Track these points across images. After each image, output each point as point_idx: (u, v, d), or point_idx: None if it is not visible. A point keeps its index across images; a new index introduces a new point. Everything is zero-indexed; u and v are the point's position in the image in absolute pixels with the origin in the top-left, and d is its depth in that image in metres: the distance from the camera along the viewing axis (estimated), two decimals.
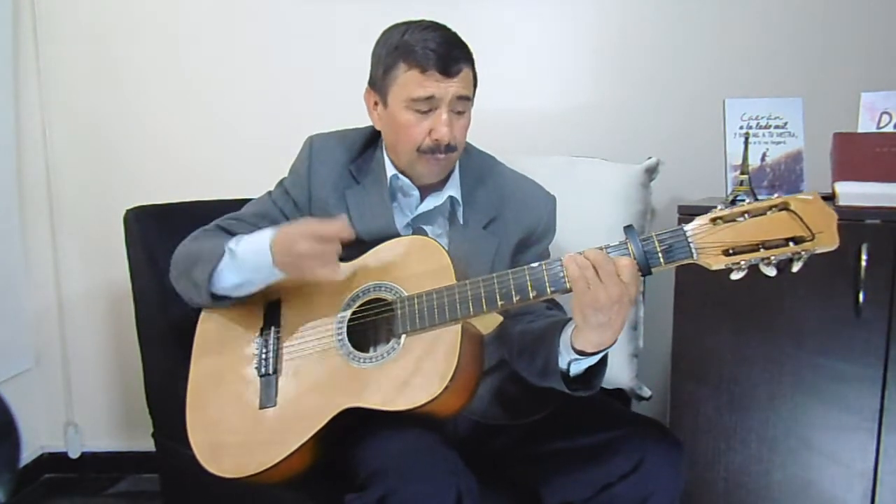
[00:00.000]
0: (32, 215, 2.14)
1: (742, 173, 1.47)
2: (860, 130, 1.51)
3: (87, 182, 2.13)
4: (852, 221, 1.32)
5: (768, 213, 0.96)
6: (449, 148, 1.21)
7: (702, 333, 1.46)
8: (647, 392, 1.72)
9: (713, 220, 0.97)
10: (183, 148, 2.10)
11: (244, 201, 1.39)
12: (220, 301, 1.24)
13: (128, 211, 1.59)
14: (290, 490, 1.24)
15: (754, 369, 1.43)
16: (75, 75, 2.09)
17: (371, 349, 1.18)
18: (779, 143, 1.53)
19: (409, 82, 1.19)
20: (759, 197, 1.47)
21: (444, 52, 1.17)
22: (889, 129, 1.50)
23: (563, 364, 1.11)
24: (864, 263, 1.31)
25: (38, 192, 2.13)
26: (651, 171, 1.74)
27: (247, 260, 1.18)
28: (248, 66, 2.07)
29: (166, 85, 2.09)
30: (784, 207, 0.95)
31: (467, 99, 1.23)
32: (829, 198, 1.45)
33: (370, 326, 1.20)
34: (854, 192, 1.38)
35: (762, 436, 1.44)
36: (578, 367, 1.11)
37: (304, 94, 2.05)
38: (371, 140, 1.35)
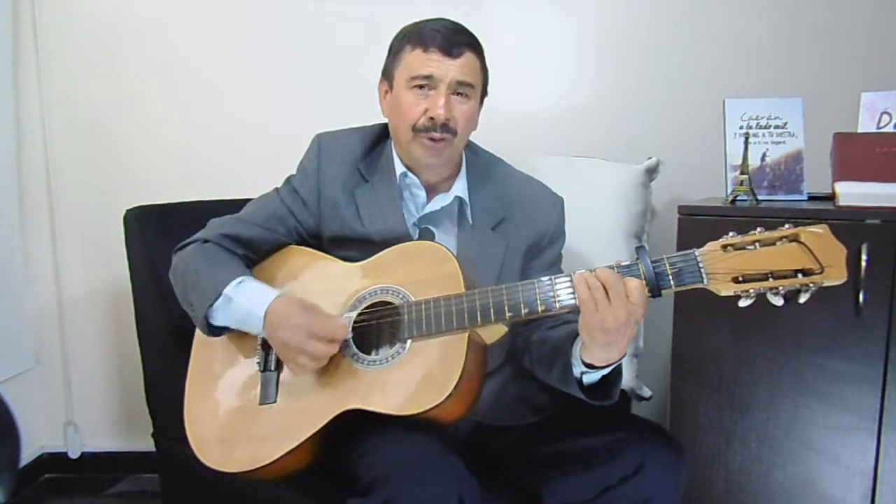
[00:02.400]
0: (32, 215, 2.14)
1: (742, 173, 1.47)
2: (860, 130, 1.51)
3: (87, 182, 2.13)
4: (852, 221, 1.32)
5: (778, 243, 0.97)
6: (445, 129, 1.21)
7: (702, 333, 1.46)
8: (647, 392, 1.72)
9: (724, 247, 0.99)
10: (183, 148, 2.10)
11: (244, 201, 1.38)
12: (216, 331, 1.24)
13: (128, 211, 1.59)
14: (291, 490, 1.24)
15: (754, 369, 1.43)
16: (75, 75, 2.09)
17: (374, 352, 1.18)
18: (779, 143, 1.53)
19: (412, 61, 1.22)
20: (759, 197, 1.47)
21: (449, 34, 1.21)
22: (889, 129, 1.50)
23: (576, 374, 1.12)
24: (864, 263, 1.31)
25: (38, 192, 2.13)
26: (651, 171, 1.74)
27: (239, 313, 1.19)
28: (248, 65, 2.07)
29: (167, 85, 2.09)
30: (795, 239, 0.97)
31: (469, 85, 1.23)
32: (830, 198, 1.45)
33: (375, 329, 1.19)
34: (854, 192, 1.38)
35: (762, 436, 1.44)
36: (591, 378, 1.11)
37: (304, 94, 2.05)
38: (380, 138, 1.34)
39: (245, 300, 1.18)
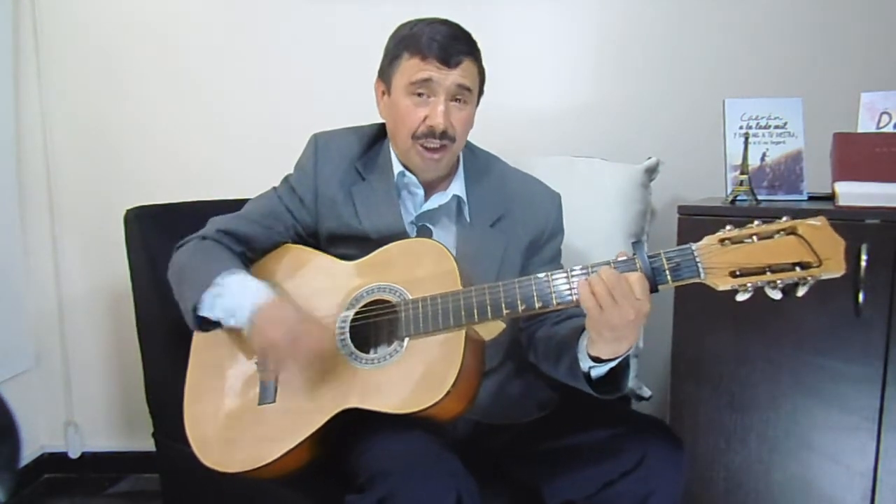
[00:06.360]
0: (32, 215, 2.14)
1: (742, 173, 1.47)
2: (860, 130, 1.51)
3: (87, 182, 2.13)
4: (852, 221, 1.32)
5: (776, 236, 0.96)
6: (444, 136, 1.21)
7: (702, 333, 1.46)
8: (647, 392, 1.72)
9: (721, 241, 0.98)
10: (183, 148, 2.10)
11: (244, 201, 1.38)
12: (206, 326, 1.23)
13: (128, 211, 1.59)
14: (291, 489, 1.24)
15: (754, 369, 1.43)
16: (75, 75, 2.09)
17: (372, 350, 1.18)
18: (779, 143, 1.53)
19: (410, 68, 1.21)
20: (759, 197, 1.47)
21: (447, 42, 1.19)
22: (889, 129, 1.50)
23: (584, 368, 1.12)
24: (864, 263, 1.31)
25: (38, 192, 2.13)
26: (651, 171, 1.74)
27: (227, 303, 1.18)
28: (248, 66, 2.07)
29: (166, 85, 2.09)
30: (792, 231, 0.96)
31: (467, 89, 1.23)
32: (829, 198, 1.45)
33: (372, 327, 1.19)
34: (854, 192, 1.38)
35: (762, 436, 1.44)
36: (599, 371, 1.12)
37: (304, 94, 2.05)
38: (377, 137, 1.35)
39: (237, 288, 1.17)
